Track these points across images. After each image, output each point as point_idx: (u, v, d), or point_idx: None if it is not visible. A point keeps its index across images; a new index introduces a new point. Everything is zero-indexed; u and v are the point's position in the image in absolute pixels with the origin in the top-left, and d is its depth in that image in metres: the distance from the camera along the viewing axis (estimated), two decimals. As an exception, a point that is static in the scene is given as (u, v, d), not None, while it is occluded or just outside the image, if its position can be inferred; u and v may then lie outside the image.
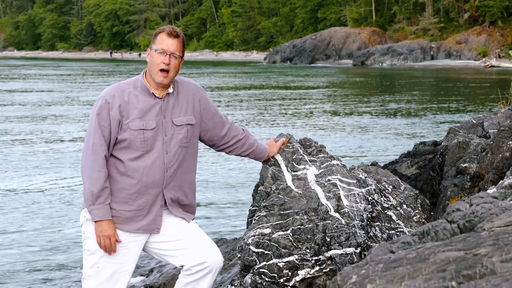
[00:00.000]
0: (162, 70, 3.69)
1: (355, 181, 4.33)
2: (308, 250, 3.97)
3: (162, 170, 3.72)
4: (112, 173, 3.68)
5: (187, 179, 3.85)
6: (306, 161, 4.43)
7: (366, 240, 4.01)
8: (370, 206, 4.23)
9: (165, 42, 3.71)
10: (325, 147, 4.64)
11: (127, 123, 3.66)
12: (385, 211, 4.41)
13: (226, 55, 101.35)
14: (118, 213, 3.69)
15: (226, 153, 4.15)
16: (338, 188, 4.21)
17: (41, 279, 6.72)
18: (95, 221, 3.65)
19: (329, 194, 4.17)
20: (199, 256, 3.74)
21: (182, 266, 3.77)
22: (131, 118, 3.67)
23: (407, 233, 4.27)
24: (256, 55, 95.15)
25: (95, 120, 3.67)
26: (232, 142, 4.08)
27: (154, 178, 3.70)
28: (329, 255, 3.96)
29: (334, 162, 4.44)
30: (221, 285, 4.92)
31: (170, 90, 3.78)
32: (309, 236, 4.01)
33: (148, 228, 3.74)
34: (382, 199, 4.47)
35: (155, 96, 3.73)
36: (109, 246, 3.66)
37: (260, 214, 4.18)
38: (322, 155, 4.53)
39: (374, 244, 4.06)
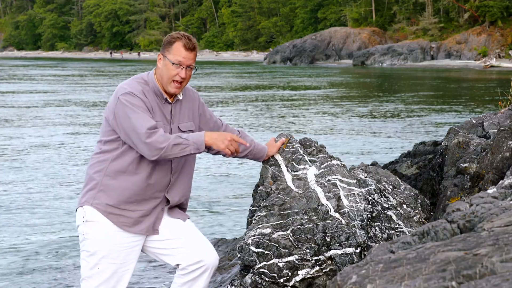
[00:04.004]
0: (175, 81, 3.69)
1: (355, 181, 4.33)
2: (308, 250, 3.97)
3: (169, 174, 3.77)
4: (122, 173, 3.68)
5: (187, 182, 3.91)
6: (306, 161, 4.43)
7: (366, 240, 4.01)
8: (370, 206, 4.22)
9: (181, 55, 3.66)
10: (325, 147, 4.64)
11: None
12: (385, 211, 4.40)
13: (226, 55, 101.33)
14: (123, 213, 3.70)
15: (223, 155, 4.15)
16: (338, 188, 4.21)
17: (38, 280, 6.69)
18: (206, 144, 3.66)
19: (329, 194, 4.16)
20: (195, 255, 3.76)
21: (178, 265, 3.79)
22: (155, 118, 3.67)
23: (407, 233, 4.27)
24: (256, 55, 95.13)
25: (130, 108, 3.57)
26: None
27: (161, 181, 3.74)
28: (329, 255, 3.95)
29: (334, 162, 4.44)
30: (221, 285, 4.92)
31: (180, 96, 3.80)
32: (309, 236, 4.00)
33: (149, 230, 3.77)
34: (382, 199, 4.47)
35: (166, 101, 3.75)
36: (233, 144, 3.78)
37: (260, 214, 4.18)
38: (322, 155, 4.53)
39: (374, 244, 4.06)
